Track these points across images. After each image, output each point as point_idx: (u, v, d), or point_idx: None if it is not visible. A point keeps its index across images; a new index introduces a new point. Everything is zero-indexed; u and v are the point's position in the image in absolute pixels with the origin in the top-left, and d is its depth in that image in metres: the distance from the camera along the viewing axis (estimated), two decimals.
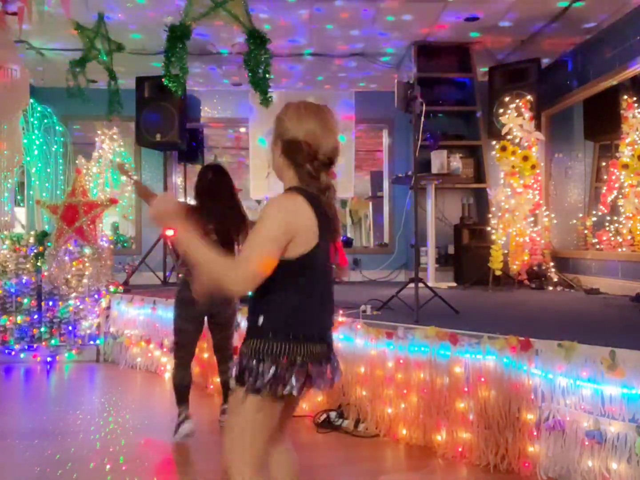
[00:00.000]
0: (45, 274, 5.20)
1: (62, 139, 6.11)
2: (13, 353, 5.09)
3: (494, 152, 5.81)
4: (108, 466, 2.84)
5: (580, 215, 6.01)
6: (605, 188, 5.55)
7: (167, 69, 4.74)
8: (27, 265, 5.24)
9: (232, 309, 3.33)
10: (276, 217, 1.55)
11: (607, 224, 5.40)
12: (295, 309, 1.60)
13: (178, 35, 4.59)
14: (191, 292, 2.97)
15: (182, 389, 3.23)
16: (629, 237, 5.06)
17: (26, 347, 5.14)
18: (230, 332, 3.36)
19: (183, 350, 3.23)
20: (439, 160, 5.81)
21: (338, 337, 3.47)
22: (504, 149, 5.59)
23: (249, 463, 1.59)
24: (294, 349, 1.55)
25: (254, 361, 1.53)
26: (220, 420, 3.27)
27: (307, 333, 1.58)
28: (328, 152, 1.62)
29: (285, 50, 6.06)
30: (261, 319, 1.58)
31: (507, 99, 5.88)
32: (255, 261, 1.50)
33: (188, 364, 3.26)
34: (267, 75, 4.74)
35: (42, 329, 5.16)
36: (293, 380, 1.52)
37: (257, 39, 4.66)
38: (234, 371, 1.58)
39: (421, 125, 3.99)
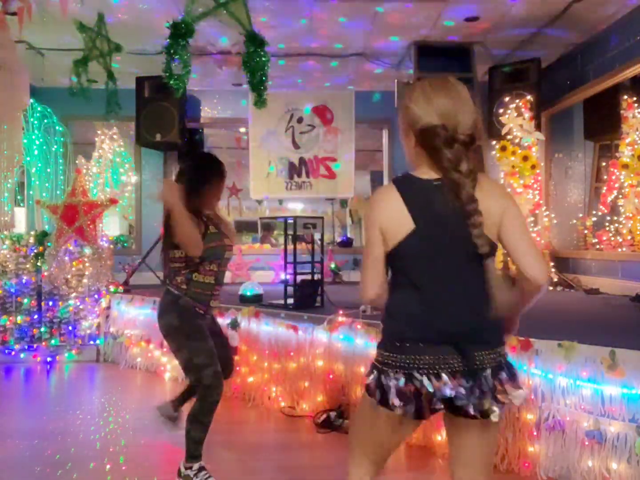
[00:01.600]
0: (45, 274, 5.20)
1: (62, 139, 6.11)
2: (13, 353, 5.09)
3: (494, 152, 5.81)
4: (108, 466, 2.84)
5: (580, 215, 6.01)
6: (605, 188, 5.54)
7: (168, 68, 4.71)
8: (27, 265, 5.25)
9: (162, 329, 2.64)
10: (367, 214, 1.51)
11: (607, 224, 5.40)
12: (390, 307, 1.51)
13: (182, 32, 4.56)
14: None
15: None
16: (629, 237, 5.06)
17: (26, 347, 5.14)
18: (173, 348, 2.64)
19: None
20: None
21: (338, 337, 3.48)
22: (504, 149, 5.59)
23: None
24: (377, 354, 1.50)
25: None
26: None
27: (388, 337, 1.48)
28: (467, 129, 1.44)
29: (285, 50, 6.06)
30: None
31: (507, 99, 5.88)
32: (365, 273, 1.51)
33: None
34: (263, 78, 4.72)
35: (42, 329, 5.16)
36: (376, 391, 1.45)
37: (255, 41, 4.64)
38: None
39: None
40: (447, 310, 1.42)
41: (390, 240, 1.44)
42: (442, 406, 1.39)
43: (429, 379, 1.37)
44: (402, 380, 1.39)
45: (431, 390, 1.36)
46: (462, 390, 1.37)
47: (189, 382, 2.70)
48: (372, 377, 1.47)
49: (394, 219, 1.43)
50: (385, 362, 1.44)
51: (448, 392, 1.36)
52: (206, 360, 2.54)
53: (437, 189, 1.42)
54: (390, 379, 1.41)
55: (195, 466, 2.58)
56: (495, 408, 1.37)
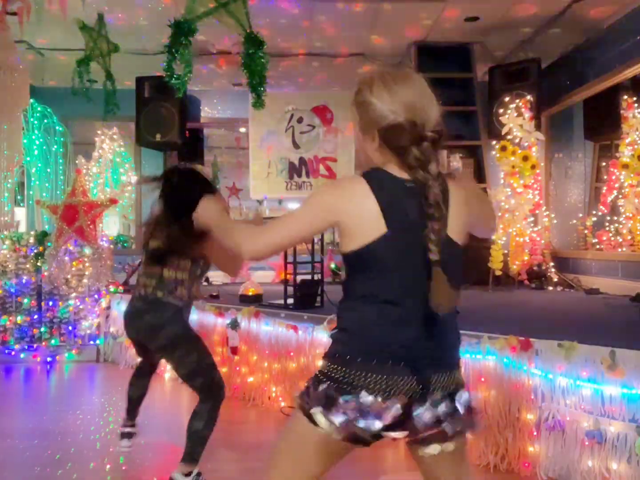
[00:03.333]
0: (45, 274, 5.20)
1: (62, 139, 6.11)
2: (13, 353, 5.09)
3: (494, 152, 5.81)
4: (108, 466, 2.84)
5: (580, 215, 6.01)
6: (605, 188, 5.55)
7: (169, 67, 4.68)
8: (27, 265, 5.24)
9: (163, 341, 2.56)
10: (315, 196, 1.35)
11: (607, 224, 5.40)
12: (349, 317, 1.33)
13: (184, 31, 4.53)
14: (128, 308, 2.69)
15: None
16: (629, 237, 5.06)
17: (26, 347, 5.14)
18: (179, 355, 2.58)
19: None
20: None
21: None
22: (504, 149, 5.59)
23: None
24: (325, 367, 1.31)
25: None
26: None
27: (351, 350, 1.28)
28: (435, 125, 1.29)
29: (285, 50, 6.06)
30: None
31: (507, 99, 5.88)
32: (271, 234, 1.37)
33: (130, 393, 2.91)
34: (262, 79, 4.71)
35: (42, 329, 5.16)
36: (317, 410, 1.24)
37: (254, 42, 4.63)
38: None
39: None
40: (406, 327, 1.27)
41: (353, 240, 1.29)
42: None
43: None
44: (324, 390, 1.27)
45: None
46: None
47: (196, 387, 2.59)
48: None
49: (362, 217, 1.27)
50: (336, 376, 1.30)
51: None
52: (212, 360, 2.63)
53: (409, 190, 1.28)
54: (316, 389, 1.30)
55: (195, 471, 2.58)
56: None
